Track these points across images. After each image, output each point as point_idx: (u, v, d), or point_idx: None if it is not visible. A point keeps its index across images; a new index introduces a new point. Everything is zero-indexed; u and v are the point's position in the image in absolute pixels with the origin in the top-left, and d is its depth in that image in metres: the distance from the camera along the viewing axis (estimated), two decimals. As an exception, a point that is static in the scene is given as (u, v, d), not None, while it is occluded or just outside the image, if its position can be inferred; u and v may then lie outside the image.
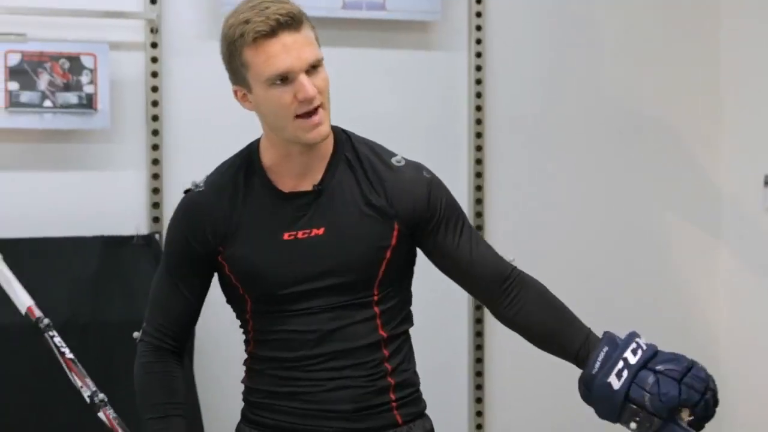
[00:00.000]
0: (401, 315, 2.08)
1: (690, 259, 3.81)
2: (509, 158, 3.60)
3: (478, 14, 3.55)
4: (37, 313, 2.28)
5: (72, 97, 3.18)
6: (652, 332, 3.67)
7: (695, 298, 3.82)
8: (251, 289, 2.03)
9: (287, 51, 1.91)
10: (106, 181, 3.27)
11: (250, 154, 2.07)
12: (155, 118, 3.29)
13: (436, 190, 2.05)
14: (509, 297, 2.04)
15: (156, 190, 3.29)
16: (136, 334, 2.11)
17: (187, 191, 2.08)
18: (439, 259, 2.07)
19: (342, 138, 2.07)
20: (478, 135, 3.56)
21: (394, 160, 2.05)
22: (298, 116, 1.94)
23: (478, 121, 3.56)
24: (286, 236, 2.00)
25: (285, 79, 1.92)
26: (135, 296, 3.07)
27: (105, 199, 3.27)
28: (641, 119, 3.75)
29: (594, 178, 3.71)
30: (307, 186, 2.02)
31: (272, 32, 1.90)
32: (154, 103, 3.29)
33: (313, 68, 1.95)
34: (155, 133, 3.29)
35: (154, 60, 3.29)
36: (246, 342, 2.10)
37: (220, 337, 3.07)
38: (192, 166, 3.29)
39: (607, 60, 3.71)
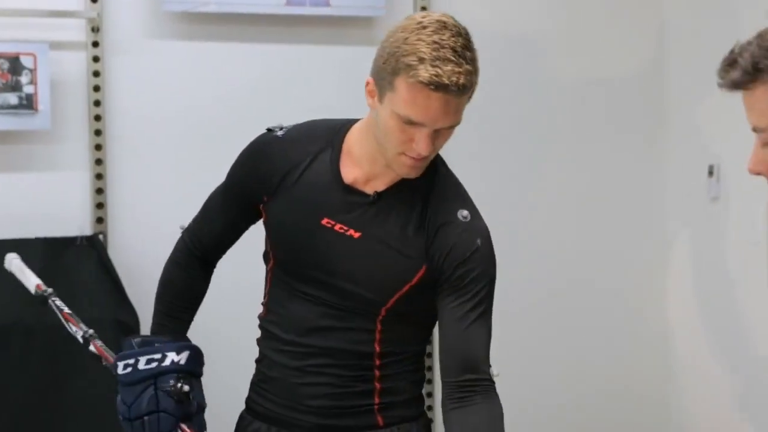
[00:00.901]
0: (409, 338, 2.05)
1: (637, 248, 3.83)
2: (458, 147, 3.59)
3: (423, 8, 3.54)
4: (43, 287, 2.33)
5: (12, 98, 3.13)
6: (600, 321, 3.77)
7: (643, 287, 3.85)
8: (275, 249, 2.07)
9: (432, 110, 1.84)
10: (48, 182, 3.23)
11: (337, 131, 2.04)
12: (98, 117, 3.25)
13: (475, 260, 1.95)
14: (458, 394, 1.93)
15: (100, 191, 3.25)
16: (181, 225, 2.22)
17: (269, 129, 2.09)
18: (439, 320, 1.99)
19: (432, 166, 2.00)
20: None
21: (460, 214, 1.98)
22: (402, 153, 1.91)
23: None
24: (324, 221, 1.99)
25: (412, 123, 1.87)
26: (79, 297, 3.04)
27: (48, 200, 3.23)
28: (587, 109, 3.76)
29: (539, 168, 3.72)
30: (368, 188, 2.00)
31: (434, 89, 1.82)
32: (97, 103, 3.25)
33: (447, 128, 1.90)
34: (98, 133, 3.25)
35: (96, 59, 3.25)
36: (262, 306, 2.12)
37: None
38: (136, 165, 3.30)
39: (550, 48, 3.72)
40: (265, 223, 2.09)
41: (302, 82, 3.43)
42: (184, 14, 3.31)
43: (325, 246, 1.99)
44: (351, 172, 2.00)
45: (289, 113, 3.24)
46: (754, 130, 1.34)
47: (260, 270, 2.14)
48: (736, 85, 1.33)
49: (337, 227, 1.99)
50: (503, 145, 3.69)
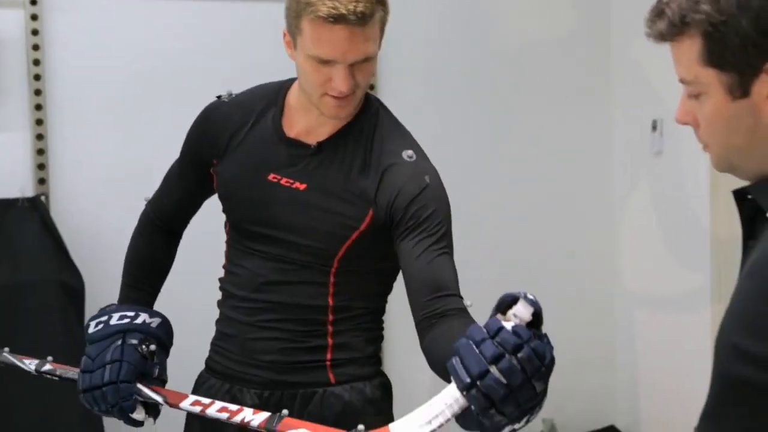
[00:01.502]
0: (364, 292, 2.04)
1: (584, 202, 3.87)
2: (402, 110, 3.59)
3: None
4: None
5: (-53, 57, 3.08)
6: (548, 277, 3.80)
7: (590, 241, 3.89)
8: (227, 212, 2.09)
9: (338, 44, 1.85)
10: (-12, 143, 3.19)
11: (281, 88, 2.07)
12: (37, 77, 3.20)
13: (426, 197, 1.92)
14: (431, 320, 1.83)
15: (41, 151, 3.21)
16: (145, 197, 2.22)
17: (218, 97, 2.12)
18: (400, 263, 1.93)
19: (371, 108, 2.02)
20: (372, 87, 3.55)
21: (405, 154, 1.96)
22: (325, 94, 1.91)
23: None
24: (270, 177, 2.01)
25: (326, 62, 1.87)
26: (21, 259, 3.01)
27: (-12, 161, 3.18)
28: (532, 69, 3.77)
29: (487, 128, 3.73)
30: (311, 140, 2.01)
31: (334, 21, 1.83)
32: (36, 62, 3.20)
33: (361, 61, 1.89)
34: (38, 92, 3.21)
35: (34, 17, 3.19)
36: (222, 268, 2.13)
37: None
38: (78, 125, 3.25)
39: (494, 11, 3.72)
40: (216, 188, 2.10)
41: (242, 39, 3.40)
42: (124, -30, 3.26)
43: (274, 201, 2.00)
44: (293, 126, 2.02)
45: (229, 69, 3.26)
46: (681, 81, 1.34)
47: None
48: (662, 37, 1.33)
49: (283, 181, 2.00)
50: (448, 106, 3.68)
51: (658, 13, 1.33)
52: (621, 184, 3.85)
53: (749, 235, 1.38)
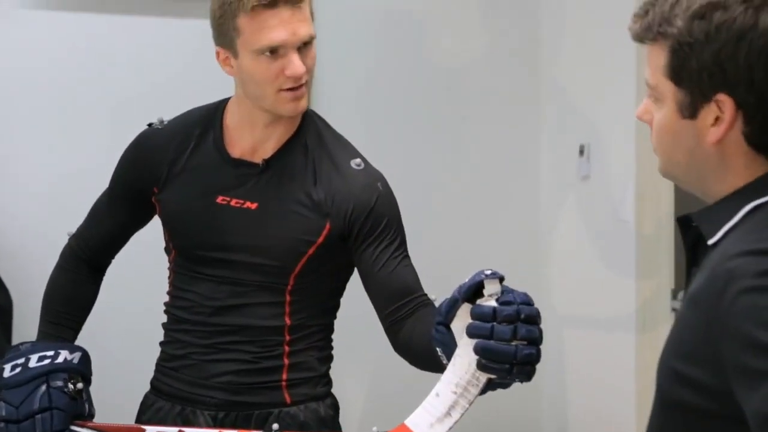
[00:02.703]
0: (318, 309, 2.05)
1: (511, 225, 3.90)
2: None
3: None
4: None
5: None
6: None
7: (517, 264, 3.89)
8: (175, 240, 2.05)
9: (283, 25, 1.88)
10: None
11: (216, 110, 2.06)
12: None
13: (382, 205, 1.99)
14: (398, 317, 1.93)
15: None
16: (69, 231, 2.16)
17: (150, 125, 2.09)
18: (359, 271, 2.01)
19: (311, 122, 2.04)
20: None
21: (353, 162, 2.01)
22: (281, 90, 1.92)
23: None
24: (219, 199, 2.00)
25: (275, 52, 1.89)
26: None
27: None
28: (464, 90, 3.81)
29: (417, 152, 3.75)
30: (256, 158, 2.01)
31: (272, 4, 1.87)
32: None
33: (305, 45, 1.92)
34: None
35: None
36: (167, 294, 2.10)
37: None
38: (4, 141, 3.20)
39: (428, 30, 3.75)
40: (161, 216, 2.08)
41: (178, 57, 3.37)
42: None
43: (225, 224, 1.99)
44: (236, 146, 2.02)
45: (159, 88, 3.24)
46: (647, 83, 1.40)
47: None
48: (639, 38, 1.39)
49: (233, 202, 1.99)
50: (380, 127, 3.70)
51: (644, 12, 1.38)
52: (548, 207, 3.91)
53: (693, 263, 1.42)
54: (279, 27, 1.88)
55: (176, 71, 3.33)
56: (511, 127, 3.87)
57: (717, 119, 1.32)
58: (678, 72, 1.34)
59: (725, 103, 1.31)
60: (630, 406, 3.49)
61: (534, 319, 1.57)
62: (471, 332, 1.57)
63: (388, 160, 3.62)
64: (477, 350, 1.56)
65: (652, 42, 1.37)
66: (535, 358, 1.56)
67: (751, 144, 1.33)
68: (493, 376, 1.58)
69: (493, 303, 1.57)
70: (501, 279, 1.59)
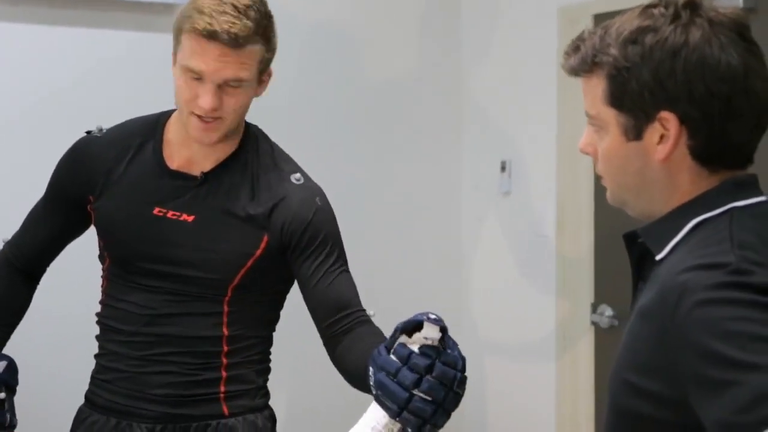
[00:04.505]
0: (257, 321, 2.05)
1: (432, 241, 3.92)
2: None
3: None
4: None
5: None
6: (395, 320, 3.80)
7: (437, 282, 3.93)
8: (109, 248, 2.04)
9: (210, 59, 1.88)
10: None
11: (156, 121, 2.05)
12: None
13: (320, 220, 2.00)
14: (336, 330, 1.94)
15: None
16: (3, 239, 2.15)
17: (88, 132, 2.07)
18: (298, 284, 2.01)
19: (251, 137, 2.04)
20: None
21: (293, 177, 2.02)
22: (192, 113, 1.91)
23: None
24: (156, 211, 1.98)
25: (198, 78, 1.89)
26: None
27: None
28: (387, 105, 3.83)
29: (340, 167, 3.73)
30: (195, 171, 2.00)
31: (207, 36, 1.86)
32: None
33: (231, 86, 1.91)
34: None
35: None
36: (99, 303, 2.07)
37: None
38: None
39: (353, 46, 3.77)
40: (96, 224, 2.06)
41: (123, 71, 3.32)
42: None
43: (161, 235, 1.98)
44: (175, 158, 2.02)
45: (111, 101, 3.17)
46: (586, 114, 1.43)
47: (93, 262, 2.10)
48: (574, 71, 1.42)
49: (169, 214, 1.98)
50: (305, 138, 3.70)
51: (574, 48, 1.41)
52: (469, 223, 3.95)
53: (639, 277, 1.46)
54: (203, 59, 1.88)
55: (109, 78, 3.28)
56: (433, 142, 3.91)
57: (662, 137, 1.36)
58: (619, 97, 1.37)
59: (668, 120, 1.35)
60: (551, 427, 3.55)
61: (444, 377, 1.53)
62: (380, 364, 1.56)
63: (308, 174, 3.66)
64: (374, 382, 1.56)
65: (587, 74, 1.41)
66: (430, 415, 1.53)
67: (696, 158, 1.37)
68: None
69: (415, 347, 1.55)
70: (442, 328, 1.56)
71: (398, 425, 1.57)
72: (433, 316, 1.56)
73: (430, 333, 1.55)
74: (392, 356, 1.55)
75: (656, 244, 1.39)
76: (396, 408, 1.53)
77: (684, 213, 1.38)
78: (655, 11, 1.36)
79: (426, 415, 1.53)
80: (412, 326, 1.57)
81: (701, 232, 1.35)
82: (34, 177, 2.22)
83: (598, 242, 3.45)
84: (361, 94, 3.78)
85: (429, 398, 1.53)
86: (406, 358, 1.54)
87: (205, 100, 1.89)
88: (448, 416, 1.57)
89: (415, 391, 1.52)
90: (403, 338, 1.58)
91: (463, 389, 1.58)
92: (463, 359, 1.58)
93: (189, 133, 1.96)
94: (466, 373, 1.58)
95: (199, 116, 1.92)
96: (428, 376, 1.53)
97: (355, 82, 3.77)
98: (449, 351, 1.56)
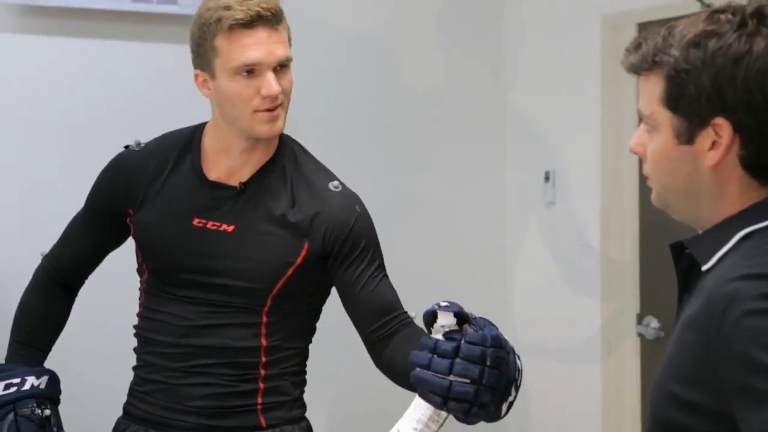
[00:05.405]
0: (295, 331, 2.05)
1: (476, 251, 3.91)
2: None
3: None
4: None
5: None
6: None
7: (481, 290, 3.91)
8: (148, 261, 2.05)
9: (260, 45, 1.90)
10: None
11: (193, 133, 2.07)
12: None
13: (361, 226, 2.02)
14: (381, 335, 1.96)
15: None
16: (42, 252, 2.16)
17: (126, 147, 2.09)
18: (339, 292, 2.03)
19: (287, 147, 2.06)
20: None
21: (331, 185, 2.04)
22: (257, 110, 1.93)
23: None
24: (195, 222, 2.00)
25: (251, 71, 1.91)
26: None
27: None
28: (429, 114, 3.82)
29: (383, 176, 3.74)
30: (233, 181, 2.01)
31: (250, 23, 1.89)
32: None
33: (282, 67, 1.95)
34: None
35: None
36: (137, 316, 2.09)
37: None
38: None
39: (395, 55, 3.77)
40: (135, 237, 2.08)
41: (147, 81, 3.35)
42: (25, 7, 3.18)
43: (201, 246, 1.99)
44: (213, 169, 2.03)
45: (135, 112, 3.22)
46: (640, 113, 1.43)
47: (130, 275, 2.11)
48: (634, 69, 1.41)
49: (209, 225, 1.99)
50: (348, 148, 3.71)
51: (636, 45, 1.41)
52: (513, 233, 3.93)
53: (685, 289, 1.44)
54: (256, 46, 1.91)
55: (140, 92, 3.31)
56: (476, 152, 3.89)
57: (714, 143, 1.35)
58: (675, 99, 1.36)
59: (722, 126, 1.34)
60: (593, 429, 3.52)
61: (476, 359, 1.52)
62: (412, 361, 1.56)
63: (351, 185, 3.67)
64: (413, 379, 1.55)
65: (647, 72, 1.40)
66: (472, 396, 1.52)
67: (747, 168, 1.35)
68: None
69: (439, 336, 1.56)
70: (457, 312, 1.55)
71: (443, 416, 1.56)
72: (444, 304, 1.56)
73: (444, 321, 1.56)
74: (424, 350, 1.55)
75: (703, 255, 1.38)
76: (439, 399, 1.52)
77: (732, 225, 1.37)
78: (722, 17, 1.35)
79: (469, 397, 1.51)
80: (430, 320, 1.57)
81: (749, 243, 1.34)
82: (71, 191, 2.24)
83: (643, 253, 3.42)
84: (403, 105, 3.78)
85: (467, 380, 1.51)
86: (433, 347, 1.53)
87: (270, 85, 1.92)
88: (494, 394, 1.55)
89: (451, 377, 1.51)
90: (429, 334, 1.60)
91: (504, 364, 1.56)
92: (495, 336, 1.55)
93: (257, 134, 1.97)
94: (507, 350, 1.57)
95: (265, 110, 1.94)
96: (457, 359, 1.52)
97: (398, 93, 3.76)
98: (480, 328, 1.56)
